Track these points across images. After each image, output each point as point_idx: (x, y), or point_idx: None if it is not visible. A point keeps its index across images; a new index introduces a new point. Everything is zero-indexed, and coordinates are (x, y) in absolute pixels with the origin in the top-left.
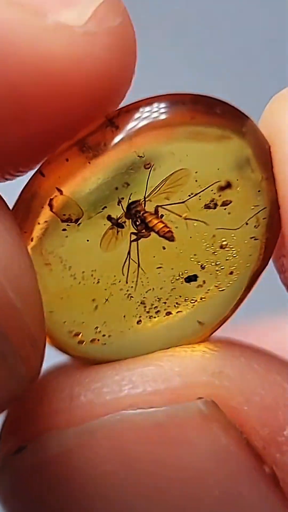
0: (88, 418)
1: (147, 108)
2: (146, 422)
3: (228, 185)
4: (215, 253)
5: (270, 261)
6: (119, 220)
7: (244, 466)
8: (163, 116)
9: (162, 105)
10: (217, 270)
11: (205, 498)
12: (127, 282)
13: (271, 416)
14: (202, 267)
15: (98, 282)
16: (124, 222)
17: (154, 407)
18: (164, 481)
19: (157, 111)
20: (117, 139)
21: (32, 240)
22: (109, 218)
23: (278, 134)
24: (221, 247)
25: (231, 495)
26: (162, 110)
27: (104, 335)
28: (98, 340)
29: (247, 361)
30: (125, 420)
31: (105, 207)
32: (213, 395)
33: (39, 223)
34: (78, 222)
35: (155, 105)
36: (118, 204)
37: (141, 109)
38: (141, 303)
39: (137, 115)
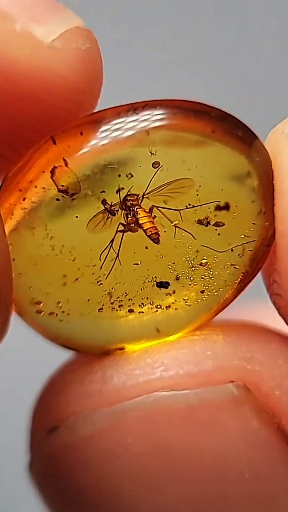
0: (120, 400)
1: (173, 110)
2: (179, 404)
3: (226, 207)
4: (193, 268)
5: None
6: (112, 207)
7: (274, 449)
8: (185, 121)
9: (187, 110)
10: (189, 285)
11: (235, 481)
12: (101, 268)
13: None
14: (177, 278)
15: (74, 260)
16: (117, 210)
17: (186, 390)
18: (195, 463)
19: (181, 114)
20: (134, 129)
21: (24, 200)
22: (104, 202)
23: (280, 168)
24: (201, 264)
25: (261, 478)
26: (186, 115)
27: (63, 312)
28: (56, 315)
29: (278, 346)
30: (157, 402)
31: (104, 191)
32: (244, 379)
33: (36, 186)
34: (73, 197)
35: (180, 108)
36: (117, 193)
37: (167, 108)
38: (108, 292)
39: (161, 111)
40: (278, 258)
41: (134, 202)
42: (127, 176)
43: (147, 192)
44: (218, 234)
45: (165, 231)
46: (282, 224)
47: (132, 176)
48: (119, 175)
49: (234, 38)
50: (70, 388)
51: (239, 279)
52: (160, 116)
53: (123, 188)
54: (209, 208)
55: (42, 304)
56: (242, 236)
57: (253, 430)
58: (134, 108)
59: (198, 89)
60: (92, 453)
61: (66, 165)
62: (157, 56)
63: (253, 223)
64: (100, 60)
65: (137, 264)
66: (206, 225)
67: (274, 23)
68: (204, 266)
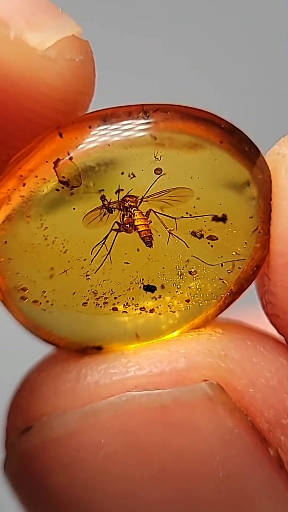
0: (94, 399)
1: (183, 116)
2: (152, 403)
3: (223, 219)
4: (182, 277)
5: None
6: (110, 204)
7: (249, 448)
8: (194, 129)
9: (198, 119)
10: (176, 292)
11: (209, 480)
12: (91, 263)
13: (276, 399)
14: (164, 284)
15: (65, 252)
16: (115, 208)
17: (159, 389)
18: (168, 463)
19: (191, 122)
20: (143, 131)
21: (23, 186)
22: (103, 198)
23: (277, 188)
24: (190, 273)
25: (235, 477)
26: (196, 123)
27: (47, 301)
28: (40, 303)
29: (253, 343)
30: (130, 401)
31: (103, 189)
32: (218, 377)
33: (36, 176)
34: (72, 190)
35: (191, 115)
36: (116, 193)
37: (177, 114)
38: (94, 288)
39: (171, 117)
40: (272, 279)
41: (132, 204)
42: (129, 175)
43: (146, 196)
44: (211, 247)
45: (159, 235)
46: (278, 243)
47: (134, 176)
48: (122, 173)
49: (235, 42)
50: (43, 387)
51: (226, 294)
52: (169, 122)
53: (122, 190)
54: (205, 221)
55: (27, 291)
56: (234, 253)
57: (227, 429)
58: (145, 110)
59: (199, 92)
60: (65, 454)
61: (71, 159)
62: (157, 58)
63: (246, 242)
64: (93, 73)
65: (127, 263)
66: (199, 238)
67: (279, 28)
68: (193, 275)
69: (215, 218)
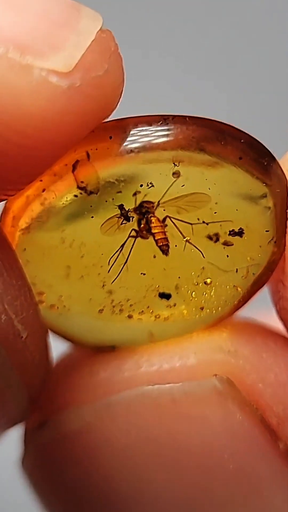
0: (107, 394)
1: (203, 130)
2: (163, 397)
3: (240, 233)
4: (197, 285)
5: None
6: (129, 213)
7: (258, 442)
8: (215, 146)
9: (217, 132)
10: (190, 300)
11: (220, 473)
12: (108, 272)
13: (285, 394)
14: (179, 291)
15: (83, 257)
16: (133, 217)
17: (170, 383)
18: (179, 456)
19: (211, 137)
20: (162, 139)
21: (43, 191)
22: (121, 207)
23: None
24: (205, 282)
25: (245, 470)
26: (217, 137)
27: (64, 306)
28: (57, 308)
29: (263, 340)
30: (142, 396)
31: (120, 191)
32: (228, 372)
33: (58, 180)
34: (90, 197)
35: (211, 128)
36: (133, 195)
37: (196, 127)
38: (110, 295)
39: (191, 129)
40: (287, 286)
41: (149, 209)
42: (147, 185)
43: (163, 200)
44: (225, 254)
45: (176, 245)
46: None
47: (152, 185)
48: (141, 185)
49: (239, 45)
50: (58, 383)
51: (239, 300)
52: (190, 135)
53: (139, 192)
54: (221, 225)
55: (44, 295)
56: (249, 258)
57: (237, 423)
58: (166, 120)
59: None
60: (80, 448)
61: (89, 159)
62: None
63: (260, 246)
64: (120, 73)
65: (144, 273)
66: (215, 242)
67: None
68: (208, 284)
69: (232, 233)
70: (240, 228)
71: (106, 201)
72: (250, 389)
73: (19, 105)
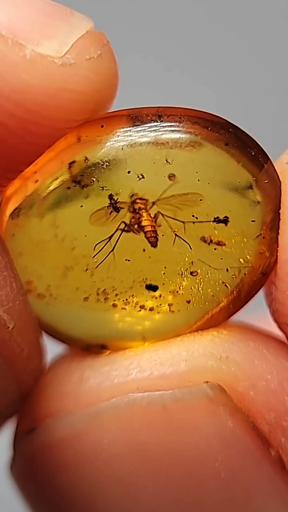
0: (96, 401)
1: (193, 119)
2: (153, 405)
3: (225, 221)
4: (183, 277)
5: None
6: (117, 204)
7: (250, 449)
8: (203, 131)
9: (206, 121)
10: (177, 292)
11: (211, 480)
12: (93, 257)
13: (277, 401)
14: (166, 283)
15: (73, 249)
16: (122, 208)
17: (161, 391)
18: (170, 464)
19: (200, 125)
20: (155, 134)
21: (36, 182)
22: (110, 197)
23: (285, 198)
24: (192, 274)
25: (237, 477)
26: (205, 125)
27: (51, 295)
28: (45, 297)
29: (255, 345)
30: (132, 403)
31: (107, 189)
32: (220, 379)
33: (50, 172)
34: (83, 188)
35: (201, 118)
36: (131, 197)
37: (188, 118)
38: (97, 284)
39: (182, 121)
40: (279, 288)
41: (141, 206)
42: (138, 176)
43: (156, 199)
44: (216, 254)
45: (163, 235)
46: (285, 252)
47: (143, 177)
48: (129, 172)
49: (238, 43)
50: (48, 389)
51: (229, 298)
52: (179, 121)
53: (136, 193)
54: (215, 227)
55: (33, 285)
56: (241, 260)
57: (228, 430)
58: (158, 112)
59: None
60: (69, 455)
61: (86, 161)
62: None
63: (247, 240)
64: (114, 62)
65: (131, 262)
66: (209, 243)
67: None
68: (195, 277)
69: (217, 220)
70: (225, 216)
71: (92, 183)
72: (241, 396)
73: (16, 78)
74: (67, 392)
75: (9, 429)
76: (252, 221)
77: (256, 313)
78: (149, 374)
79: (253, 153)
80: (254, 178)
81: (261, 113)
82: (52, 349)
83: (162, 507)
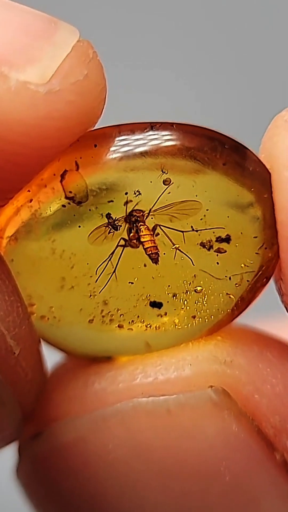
0: (101, 405)
1: (188, 136)
2: (158, 409)
3: (227, 240)
4: (188, 293)
5: None
6: (116, 222)
7: (255, 453)
8: (199, 149)
9: (202, 137)
10: (182, 308)
11: (216, 485)
12: (96, 281)
13: (282, 404)
14: (171, 300)
15: (72, 267)
16: (120, 226)
17: (165, 395)
18: (175, 468)
19: (196, 141)
20: (151, 149)
21: (31, 201)
22: (108, 216)
23: (278, 160)
24: (196, 291)
25: (242, 482)
26: (201, 142)
27: (54, 317)
28: (48, 319)
29: (259, 349)
30: (137, 408)
31: (112, 200)
32: (224, 383)
33: (46, 188)
34: (80, 206)
35: (196, 134)
36: (124, 205)
37: (183, 133)
38: (100, 305)
39: (176, 136)
40: (286, 282)
41: (139, 218)
42: (134, 193)
43: (153, 209)
44: (218, 261)
45: (164, 253)
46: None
47: (140, 193)
48: (126, 193)
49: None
50: (53, 394)
51: (233, 308)
52: (176, 142)
53: (131, 201)
54: (214, 232)
55: (35, 306)
56: (242, 265)
57: (233, 434)
58: (152, 127)
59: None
60: (74, 459)
61: (77, 169)
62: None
63: (256, 253)
64: (102, 77)
65: (133, 282)
66: (209, 249)
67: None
68: (199, 292)
69: (219, 239)
70: (227, 235)
71: (90, 210)
72: (246, 400)
73: (0, 111)
74: (73, 397)
75: None
76: (254, 237)
77: (260, 316)
78: (154, 378)
79: (251, 168)
80: (254, 194)
81: (256, 120)
82: (54, 354)
83: (167, 510)
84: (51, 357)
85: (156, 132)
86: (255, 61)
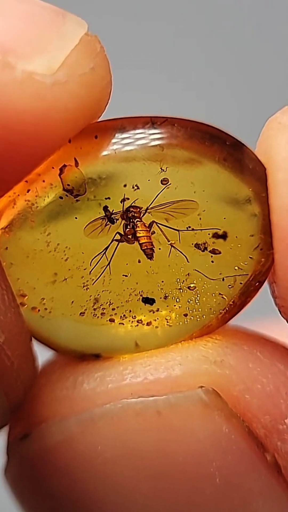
0: (90, 406)
1: (190, 131)
2: (147, 410)
3: (223, 236)
4: (181, 290)
5: None
6: (113, 215)
7: (246, 454)
8: (200, 144)
9: (204, 133)
10: (174, 306)
11: (206, 486)
12: (90, 273)
13: (272, 404)
14: (163, 297)
15: (66, 260)
16: (117, 219)
17: (155, 396)
18: (165, 469)
19: (197, 137)
20: (150, 143)
21: (28, 192)
22: (105, 208)
23: (273, 162)
24: (189, 288)
25: (232, 482)
26: (202, 138)
27: (46, 309)
28: (39, 310)
29: (250, 349)
30: (126, 408)
31: (109, 197)
32: (214, 383)
33: (43, 181)
34: (77, 199)
35: (198, 130)
36: (121, 202)
37: (185, 129)
38: (93, 298)
39: (178, 130)
40: (279, 284)
41: (135, 214)
42: (133, 187)
43: (150, 206)
44: (212, 261)
45: (160, 249)
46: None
47: (138, 188)
48: (125, 185)
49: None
50: (42, 394)
51: (225, 309)
52: (176, 135)
53: (128, 198)
54: (209, 234)
55: (26, 297)
56: (236, 268)
57: (223, 435)
58: (153, 122)
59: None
60: (63, 460)
61: (76, 165)
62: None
63: (250, 257)
64: (107, 71)
65: (127, 276)
66: (203, 250)
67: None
68: (192, 290)
69: (216, 235)
70: (224, 232)
71: (88, 199)
72: (236, 400)
73: (5, 100)
74: (61, 397)
75: (2, 434)
76: (250, 235)
77: (251, 317)
78: (143, 379)
79: (251, 166)
80: (253, 192)
81: (256, 119)
82: (43, 353)
83: None
84: (40, 356)
85: (156, 126)
86: (253, 62)
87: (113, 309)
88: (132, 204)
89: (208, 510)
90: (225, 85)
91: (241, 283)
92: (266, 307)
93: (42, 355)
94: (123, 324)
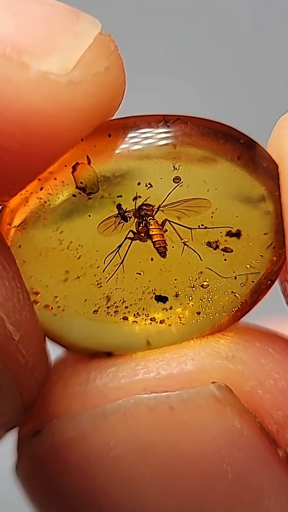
0: (103, 402)
1: (203, 129)
2: (159, 406)
3: (237, 235)
4: (194, 289)
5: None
6: (126, 213)
7: (258, 450)
8: (213, 143)
9: (218, 132)
10: (187, 304)
11: (219, 482)
12: (103, 271)
13: (285, 400)
14: (176, 295)
15: (79, 258)
16: (130, 217)
17: (167, 391)
18: (177, 465)
19: (210, 136)
20: (163, 141)
21: (41, 190)
22: (119, 206)
23: (285, 161)
24: (202, 286)
25: (244, 479)
26: (216, 137)
27: (59, 307)
28: (52, 308)
29: (261, 345)
30: (138, 404)
31: (121, 196)
32: (226, 379)
33: (55, 179)
34: (90, 197)
35: (211, 128)
36: (133, 200)
37: (198, 127)
38: (106, 296)
39: (191, 129)
40: None
41: (148, 212)
42: (146, 185)
43: (163, 204)
44: (225, 260)
45: (173, 247)
46: None
47: (151, 186)
48: (139, 183)
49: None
50: (54, 390)
51: (237, 307)
52: (189, 133)
53: (140, 197)
54: (221, 232)
55: (39, 295)
56: (248, 266)
57: (236, 431)
58: (166, 120)
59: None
60: (75, 456)
61: (89, 163)
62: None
63: (261, 255)
64: (122, 71)
65: (140, 274)
66: (215, 249)
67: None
68: (205, 288)
69: (229, 233)
70: (238, 230)
71: (102, 197)
72: (249, 396)
73: (21, 101)
74: (74, 393)
75: (11, 432)
76: (264, 234)
77: (263, 315)
78: (156, 374)
79: (264, 165)
80: (266, 190)
81: (262, 117)
82: (55, 349)
83: (168, 508)
84: (52, 352)
85: (169, 124)
86: (258, 63)
87: (126, 307)
88: (145, 202)
89: (220, 506)
90: (232, 84)
91: (253, 281)
92: (276, 305)
93: (53, 352)
94: (136, 322)
